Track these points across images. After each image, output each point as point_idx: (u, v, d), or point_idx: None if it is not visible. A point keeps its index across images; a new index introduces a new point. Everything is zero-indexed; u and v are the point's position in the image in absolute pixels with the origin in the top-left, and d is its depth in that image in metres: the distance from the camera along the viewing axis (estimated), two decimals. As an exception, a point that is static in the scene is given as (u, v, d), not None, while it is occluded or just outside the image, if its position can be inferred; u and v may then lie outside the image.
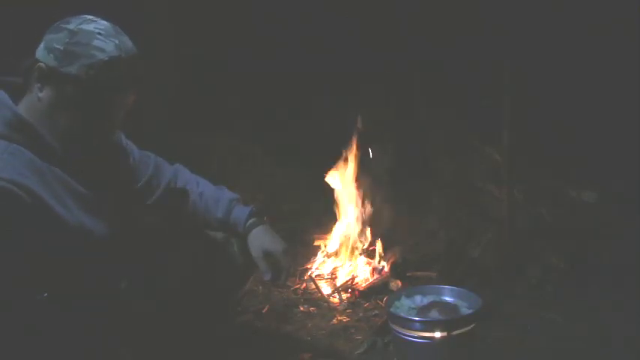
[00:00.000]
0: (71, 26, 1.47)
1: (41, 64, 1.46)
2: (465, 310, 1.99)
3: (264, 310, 2.51)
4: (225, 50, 3.80)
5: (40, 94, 1.48)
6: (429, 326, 1.90)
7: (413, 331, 1.91)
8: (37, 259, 1.39)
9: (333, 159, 2.97)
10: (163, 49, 3.85)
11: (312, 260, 2.93)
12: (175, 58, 3.90)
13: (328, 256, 2.94)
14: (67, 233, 1.46)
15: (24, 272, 1.38)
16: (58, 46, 1.45)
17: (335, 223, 3.00)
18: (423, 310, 2.01)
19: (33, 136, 1.47)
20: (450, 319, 1.93)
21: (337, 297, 2.63)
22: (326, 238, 3.02)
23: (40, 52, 1.48)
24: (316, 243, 3.04)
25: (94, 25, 1.48)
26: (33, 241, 1.39)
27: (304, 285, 2.74)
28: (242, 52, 3.78)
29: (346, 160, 2.96)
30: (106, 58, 1.45)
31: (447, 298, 2.09)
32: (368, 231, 2.94)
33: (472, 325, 1.93)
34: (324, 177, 2.95)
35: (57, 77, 1.46)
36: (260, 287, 2.74)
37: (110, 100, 1.52)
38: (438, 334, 1.89)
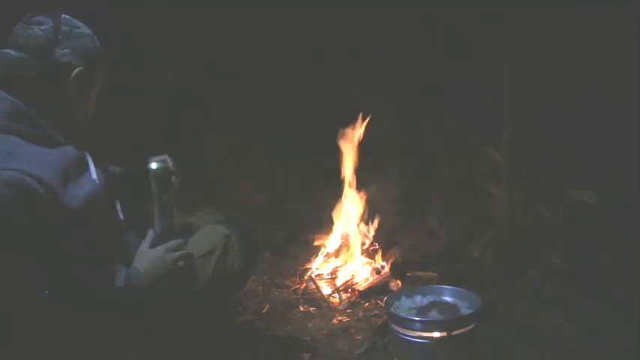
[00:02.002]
0: (44, 18, 1.51)
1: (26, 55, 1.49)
2: (465, 310, 1.99)
3: (264, 310, 2.51)
4: (225, 50, 3.80)
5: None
6: (429, 326, 1.90)
7: (413, 331, 1.91)
8: (44, 252, 1.39)
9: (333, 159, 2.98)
10: (164, 50, 3.85)
11: (312, 260, 2.94)
12: (176, 58, 3.91)
13: (328, 256, 2.94)
14: (72, 222, 1.45)
15: (31, 265, 1.38)
16: (41, 34, 1.49)
17: (335, 224, 3.00)
18: (422, 310, 2.01)
19: (34, 126, 1.47)
20: (449, 319, 1.93)
21: (337, 297, 2.63)
22: (326, 239, 3.02)
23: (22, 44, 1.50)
24: (316, 243, 3.05)
25: (62, 16, 1.55)
26: (43, 232, 1.38)
27: (304, 285, 2.74)
28: (242, 52, 3.78)
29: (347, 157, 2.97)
30: (89, 37, 1.57)
31: (447, 298, 2.09)
32: (368, 231, 2.95)
33: (472, 325, 1.93)
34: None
35: (47, 61, 1.49)
36: (260, 287, 2.74)
37: (97, 78, 1.60)
38: (437, 334, 1.89)
